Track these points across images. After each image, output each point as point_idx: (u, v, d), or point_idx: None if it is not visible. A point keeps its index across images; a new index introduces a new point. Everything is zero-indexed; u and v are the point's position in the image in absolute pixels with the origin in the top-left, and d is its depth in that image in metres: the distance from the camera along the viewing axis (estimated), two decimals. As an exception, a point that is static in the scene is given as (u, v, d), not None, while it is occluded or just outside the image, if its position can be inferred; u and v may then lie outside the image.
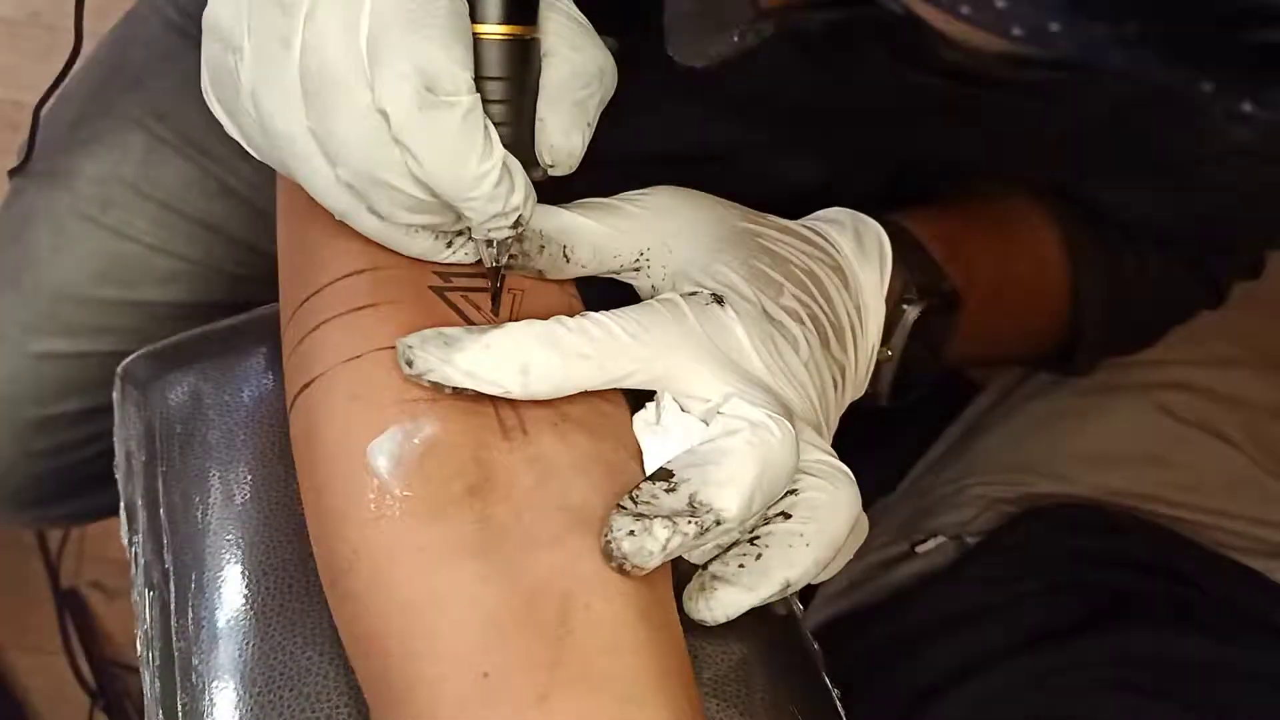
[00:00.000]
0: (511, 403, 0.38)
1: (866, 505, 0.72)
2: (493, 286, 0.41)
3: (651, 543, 0.35)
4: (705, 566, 0.39)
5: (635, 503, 0.36)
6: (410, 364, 0.37)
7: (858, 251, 0.48)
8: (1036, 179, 0.60)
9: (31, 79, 0.76)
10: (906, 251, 0.50)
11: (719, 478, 0.37)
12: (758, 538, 0.39)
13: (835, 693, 0.44)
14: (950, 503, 0.72)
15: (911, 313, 0.49)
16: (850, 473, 0.42)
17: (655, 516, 0.36)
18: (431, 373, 0.36)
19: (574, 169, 0.40)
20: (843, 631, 0.70)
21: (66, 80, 0.72)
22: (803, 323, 0.43)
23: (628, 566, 0.35)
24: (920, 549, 0.71)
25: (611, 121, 0.40)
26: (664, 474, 0.38)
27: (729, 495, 0.36)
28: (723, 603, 0.38)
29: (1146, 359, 0.73)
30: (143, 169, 0.70)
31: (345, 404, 0.38)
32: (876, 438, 0.83)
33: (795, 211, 0.49)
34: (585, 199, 0.44)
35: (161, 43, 0.72)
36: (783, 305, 0.43)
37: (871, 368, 0.48)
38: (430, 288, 0.40)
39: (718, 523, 0.36)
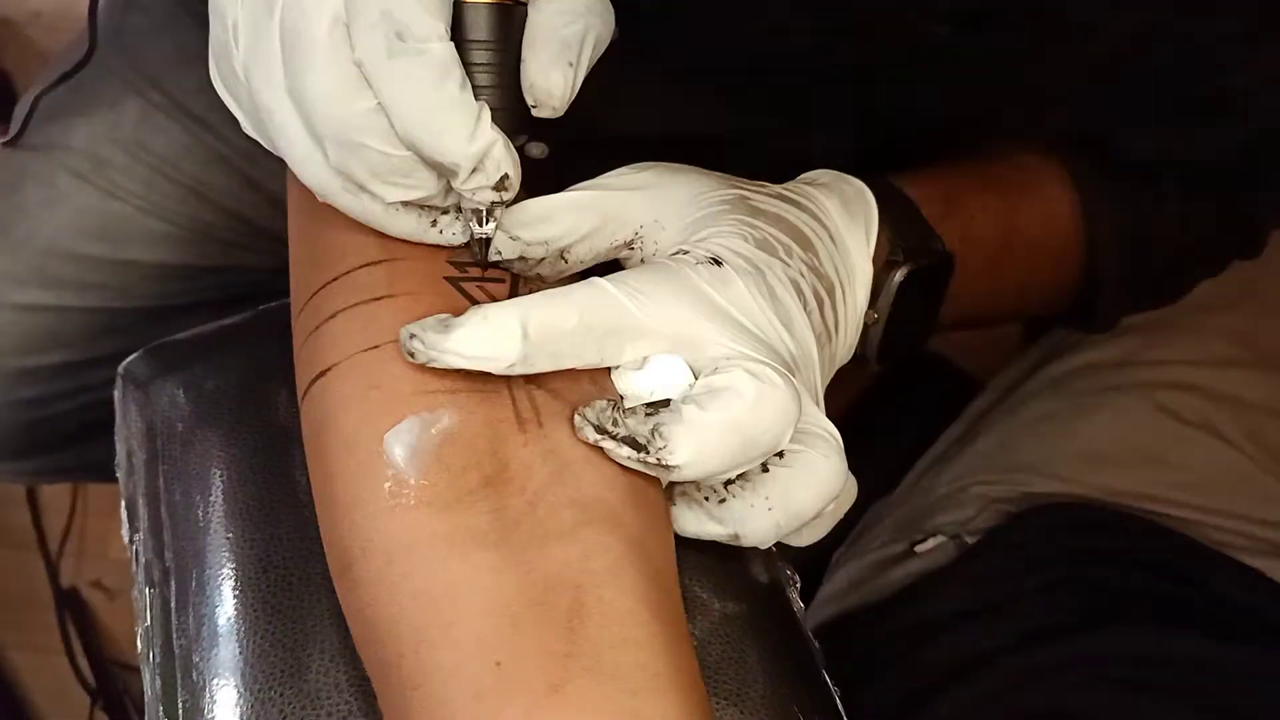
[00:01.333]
0: (528, 395, 0.38)
1: (866, 505, 0.72)
2: (479, 255, 0.40)
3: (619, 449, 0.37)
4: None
5: (614, 407, 0.37)
6: (413, 354, 0.36)
7: (843, 213, 0.47)
8: (1051, 132, 0.58)
9: (31, 80, 0.76)
10: (896, 211, 0.49)
11: (692, 419, 0.37)
12: (731, 480, 0.40)
13: (836, 692, 0.44)
14: (950, 502, 0.72)
15: (898, 274, 0.48)
16: (838, 437, 0.41)
17: (618, 431, 0.37)
18: (433, 354, 0.36)
19: (559, 111, 0.38)
20: (843, 630, 0.70)
21: (66, 48, 0.72)
22: (801, 279, 0.43)
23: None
24: (920, 548, 0.71)
25: (607, 106, 0.40)
26: (656, 405, 0.38)
27: (687, 444, 0.37)
28: (674, 515, 0.40)
29: (1146, 359, 0.73)
30: (136, 133, 0.70)
31: (363, 393, 0.38)
32: (876, 437, 0.83)
33: (786, 177, 0.49)
34: (573, 186, 0.43)
35: (160, 10, 0.72)
36: (782, 262, 0.43)
37: (859, 330, 0.47)
38: (445, 278, 0.40)
39: (664, 465, 0.37)
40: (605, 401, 0.38)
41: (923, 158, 0.56)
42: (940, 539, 0.71)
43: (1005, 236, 0.55)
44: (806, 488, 0.40)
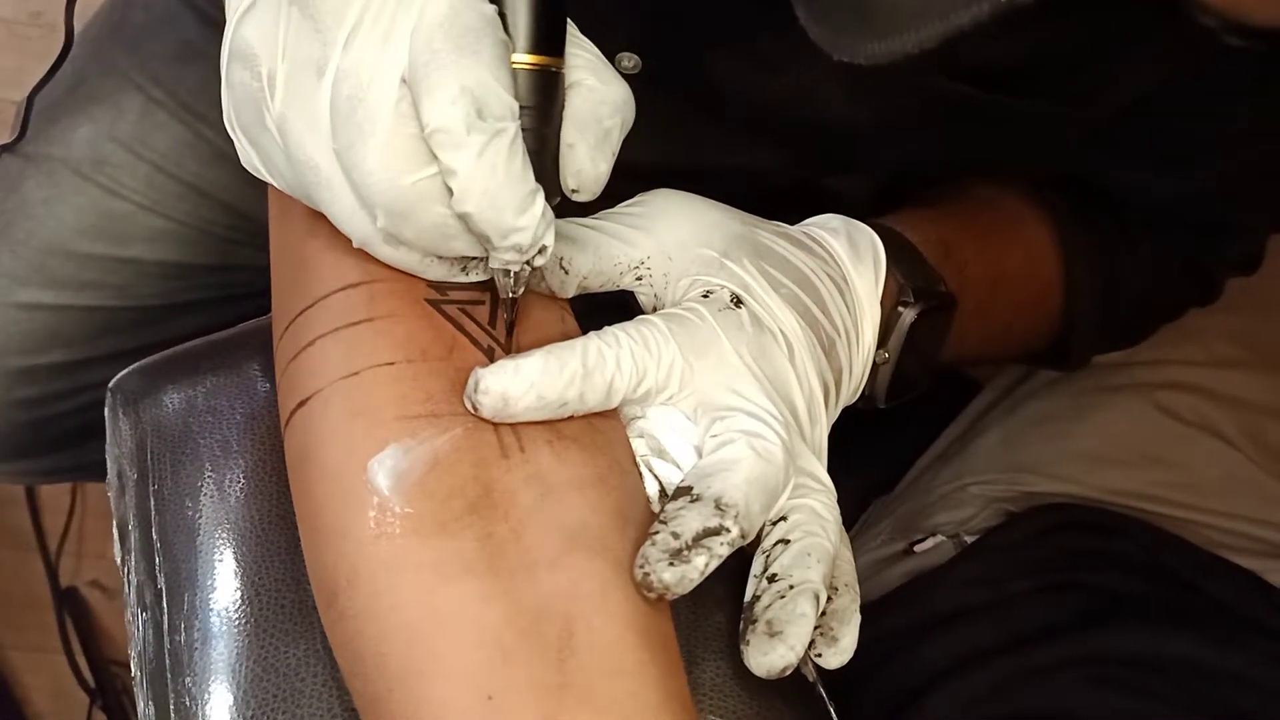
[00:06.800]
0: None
1: (865, 504, 0.72)
2: (508, 316, 0.40)
3: (693, 571, 0.36)
4: (753, 620, 0.39)
5: (666, 522, 0.37)
6: (476, 408, 0.37)
7: (852, 256, 0.48)
8: (1040, 171, 0.60)
9: (32, 79, 0.76)
10: (900, 255, 0.50)
11: (736, 481, 0.38)
12: (775, 575, 0.40)
13: (830, 706, 0.44)
14: (949, 502, 0.72)
15: (908, 315, 0.49)
16: (832, 486, 0.42)
17: (690, 537, 0.37)
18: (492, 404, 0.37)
19: (597, 195, 0.39)
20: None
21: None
22: (798, 328, 0.44)
23: (668, 595, 0.36)
24: (918, 548, 0.71)
25: (634, 134, 0.40)
26: (684, 490, 0.38)
27: (751, 496, 0.38)
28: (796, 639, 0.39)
29: (1146, 359, 0.73)
30: (137, 130, 0.70)
31: (345, 421, 0.38)
32: (876, 437, 0.83)
33: (783, 209, 0.50)
34: (580, 217, 0.44)
35: (162, 7, 0.72)
36: (784, 305, 0.44)
37: (867, 371, 0.49)
38: (426, 300, 0.40)
39: (742, 534, 0.37)
40: (650, 536, 0.37)
41: (910, 197, 0.58)
42: (939, 538, 0.71)
43: (994, 279, 0.57)
44: (827, 530, 0.41)
